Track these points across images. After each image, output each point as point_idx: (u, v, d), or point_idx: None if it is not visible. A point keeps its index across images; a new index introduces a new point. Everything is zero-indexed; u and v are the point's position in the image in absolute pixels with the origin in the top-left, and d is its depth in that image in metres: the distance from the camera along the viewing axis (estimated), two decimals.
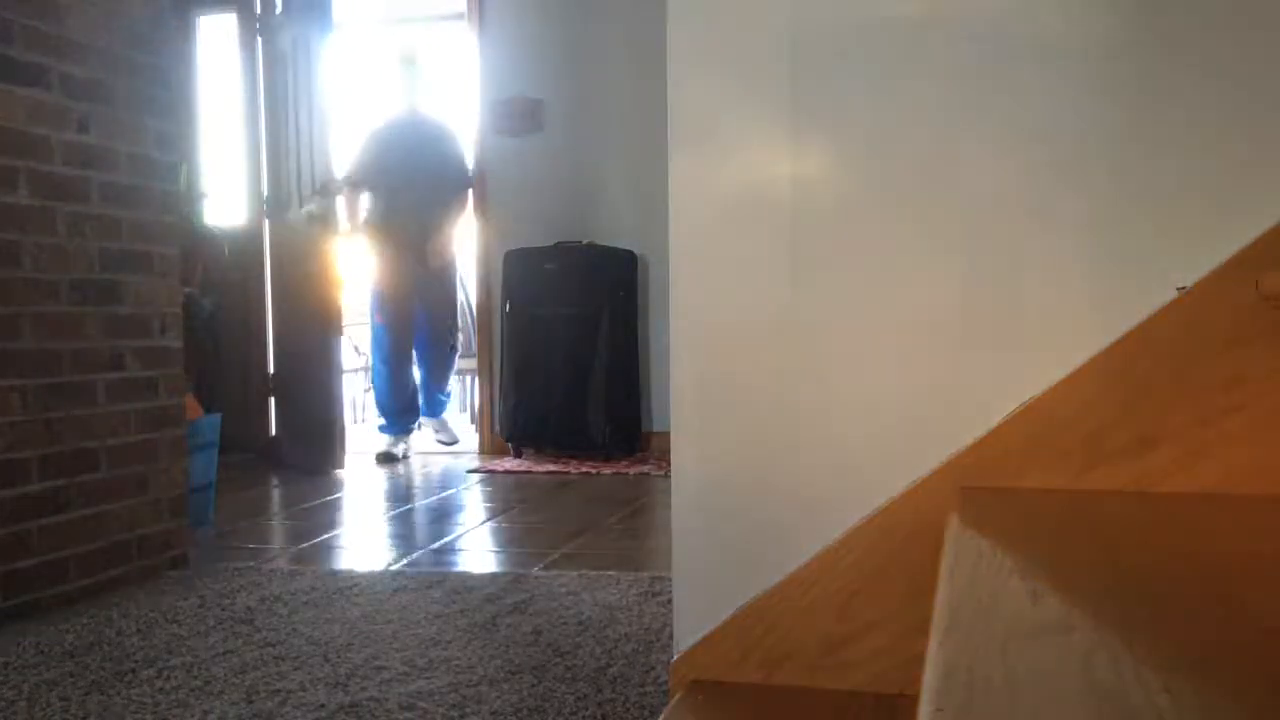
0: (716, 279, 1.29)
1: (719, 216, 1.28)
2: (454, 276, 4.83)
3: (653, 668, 1.72)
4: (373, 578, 2.40)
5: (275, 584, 2.36)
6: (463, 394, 6.05)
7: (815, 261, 1.25)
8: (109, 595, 2.29)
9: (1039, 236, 1.18)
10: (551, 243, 4.55)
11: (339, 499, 3.62)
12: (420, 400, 4.75)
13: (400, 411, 4.65)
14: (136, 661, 1.83)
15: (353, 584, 2.35)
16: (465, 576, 2.40)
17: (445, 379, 4.84)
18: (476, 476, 4.12)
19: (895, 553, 1.20)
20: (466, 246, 4.88)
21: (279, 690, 1.67)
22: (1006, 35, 1.18)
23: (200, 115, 4.95)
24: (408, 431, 4.67)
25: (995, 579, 0.76)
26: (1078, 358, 1.15)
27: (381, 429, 4.68)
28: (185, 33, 4.86)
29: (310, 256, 4.24)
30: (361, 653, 1.85)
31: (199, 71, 5.00)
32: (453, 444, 4.80)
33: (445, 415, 4.92)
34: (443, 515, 3.27)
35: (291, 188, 4.34)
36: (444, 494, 3.73)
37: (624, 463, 4.29)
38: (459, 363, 5.04)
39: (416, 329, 4.64)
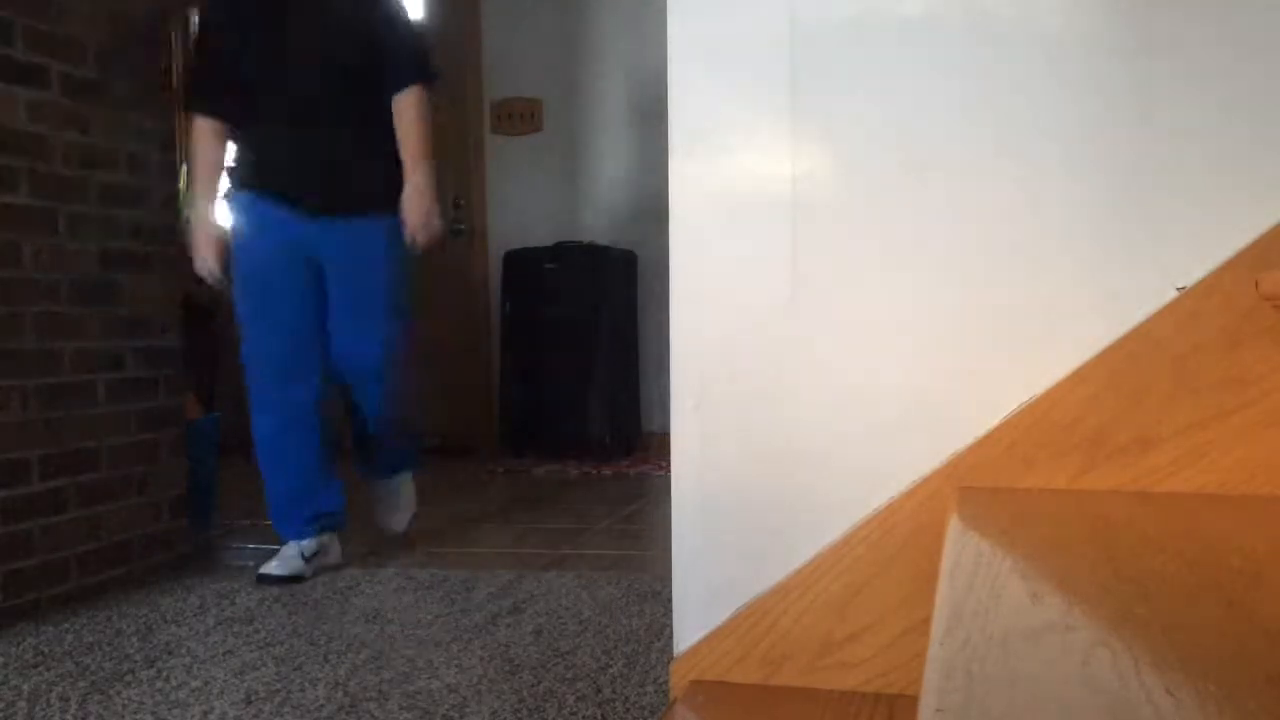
0: (716, 279, 1.29)
1: (719, 216, 1.28)
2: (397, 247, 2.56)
3: (653, 668, 1.72)
4: (373, 578, 2.40)
5: (275, 584, 2.36)
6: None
7: (815, 261, 1.25)
8: (109, 595, 2.29)
9: (1038, 236, 1.18)
10: (551, 243, 4.55)
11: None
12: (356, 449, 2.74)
13: (294, 493, 2.53)
14: (136, 662, 1.83)
15: (353, 584, 2.35)
16: (465, 576, 2.40)
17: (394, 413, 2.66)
18: (477, 476, 4.12)
19: (895, 553, 1.20)
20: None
21: (279, 690, 1.67)
22: (1006, 34, 1.18)
23: None
24: (317, 525, 2.51)
25: (995, 579, 0.76)
26: (1078, 358, 1.15)
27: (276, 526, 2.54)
28: (185, 31, 4.86)
29: None
30: (361, 653, 1.85)
31: None
32: (399, 527, 2.82)
33: (400, 479, 2.80)
34: (443, 516, 3.27)
35: None
36: (444, 495, 3.73)
37: (624, 463, 4.29)
38: None
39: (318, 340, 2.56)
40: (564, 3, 4.67)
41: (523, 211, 4.71)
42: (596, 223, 4.63)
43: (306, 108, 2.47)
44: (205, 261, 2.48)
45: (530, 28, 4.71)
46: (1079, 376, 1.15)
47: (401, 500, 2.85)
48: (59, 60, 2.26)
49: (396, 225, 2.51)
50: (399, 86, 2.51)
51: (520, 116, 4.73)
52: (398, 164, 2.52)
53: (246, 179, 2.52)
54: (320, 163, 2.48)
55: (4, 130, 2.14)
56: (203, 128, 2.50)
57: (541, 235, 4.59)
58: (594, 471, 4.13)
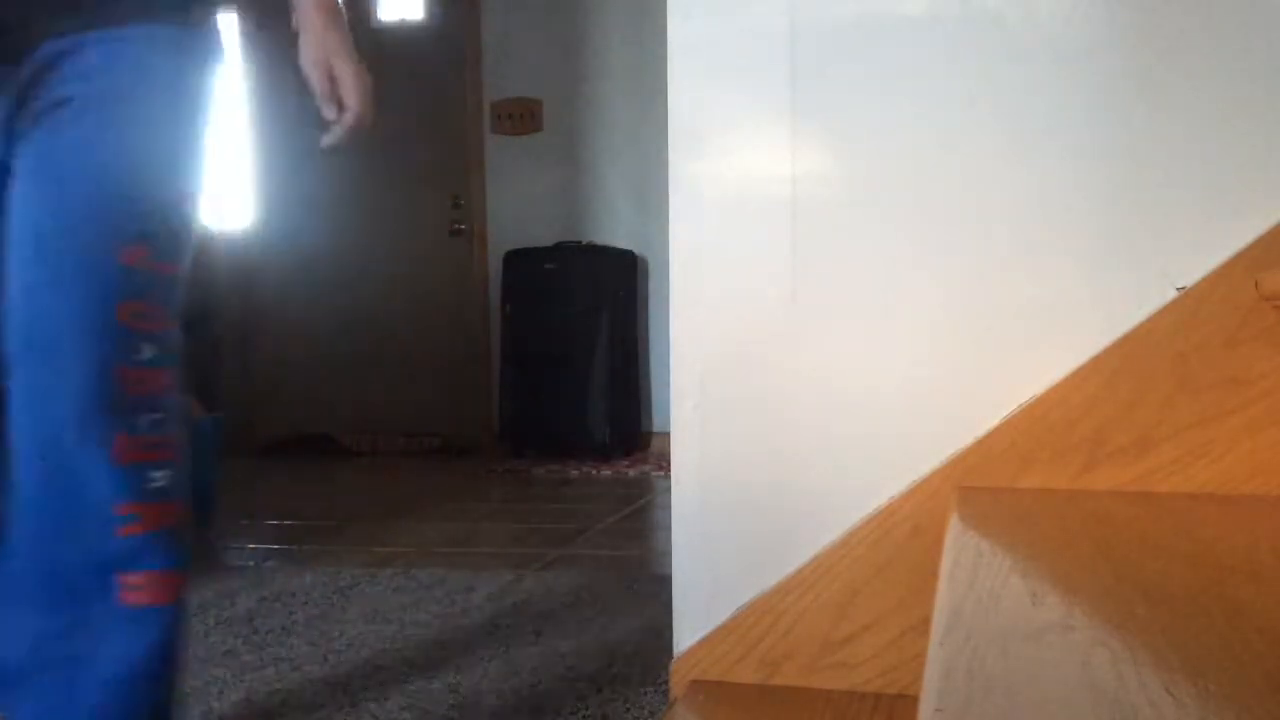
0: (716, 279, 1.29)
1: (719, 216, 1.28)
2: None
3: (653, 668, 1.72)
4: (373, 578, 2.40)
5: (275, 584, 2.36)
6: None
7: (815, 261, 1.25)
8: None
9: (1038, 236, 1.18)
10: (551, 243, 4.55)
11: (337, 500, 3.62)
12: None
13: None
14: None
15: (353, 584, 2.35)
16: (465, 576, 2.39)
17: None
18: (477, 476, 4.12)
19: (895, 553, 1.20)
20: None
21: (279, 690, 1.67)
22: (1006, 34, 1.18)
23: None
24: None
25: (995, 579, 0.76)
26: (1078, 357, 1.15)
27: None
28: None
29: None
30: (361, 653, 1.85)
31: None
32: None
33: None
34: (443, 516, 3.27)
35: None
36: (444, 495, 3.73)
37: (624, 463, 4.29)
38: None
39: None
40: (564, 3, 4.67)
41: (523, 211, 4.71)
42: (596, 223, 4.63)
43: None
44: None
45: (530, 28, 4.71)
46: (1079, 376, 1.15)
47: None
48: None
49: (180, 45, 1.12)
50: None
51: (520, 116, 4.73)
52: None
53: None
54: None
55: None
56: None
57: (541, 235, 4.59)
58: (594, 471, 4.13)
